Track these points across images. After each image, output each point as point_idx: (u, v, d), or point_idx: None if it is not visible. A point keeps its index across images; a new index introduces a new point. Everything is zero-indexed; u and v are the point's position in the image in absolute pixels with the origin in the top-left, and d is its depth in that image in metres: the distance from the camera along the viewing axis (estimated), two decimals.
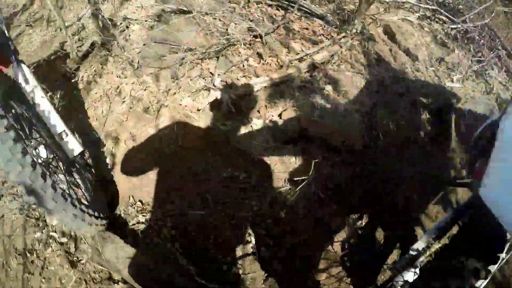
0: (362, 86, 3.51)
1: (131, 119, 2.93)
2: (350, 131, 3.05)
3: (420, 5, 5.04)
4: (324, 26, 3.86)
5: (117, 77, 3.15)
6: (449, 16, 4.96)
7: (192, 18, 3.18)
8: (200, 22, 3.20)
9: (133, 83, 3.03)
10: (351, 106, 3.26)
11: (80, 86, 3.34)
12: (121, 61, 3.18)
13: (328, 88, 3.25)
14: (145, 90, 2.98)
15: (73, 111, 3.21)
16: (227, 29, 3.22)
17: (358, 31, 3.82)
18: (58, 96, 3.35)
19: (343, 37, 3.70)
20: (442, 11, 4.95)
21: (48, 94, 3.29)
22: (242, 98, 2.85)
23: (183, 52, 2.96)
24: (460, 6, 5.38)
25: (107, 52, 3.27)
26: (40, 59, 3.95)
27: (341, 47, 3.59)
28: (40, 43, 4.10)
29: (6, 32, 2.18)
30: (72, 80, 3.36)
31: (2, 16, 2.17)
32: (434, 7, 4.95)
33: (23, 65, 2.15)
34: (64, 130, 2.20)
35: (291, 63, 3.23)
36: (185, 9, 3.26)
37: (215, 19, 3.28)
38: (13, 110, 1.99)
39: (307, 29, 3.77)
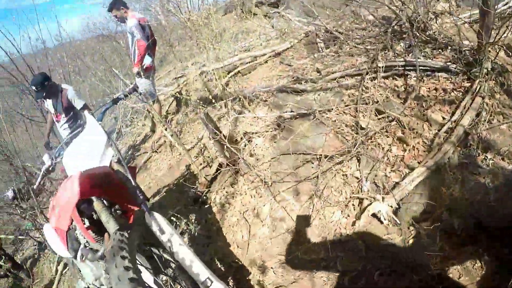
0: None
1: (276, 242, 2.66)
2: None
3: None
4: (450, 78, 3.28)
5: (252, 197, 3.00)
6: None
7: (315, 119, 2.94)
8: (325, 121, 2.95)
9: (270, 203, 2.83)
10: None
11: (214, 209, 3.27)
12: (252, 179, 3.06)
13: (490, 155, 2.61)
14: (285, 208, 2.73)
15: (211, 238, 3.12)
16: (357, 122, 2.90)
17: (489, 69, 3.14)
18: (193, 221, 3.33)
19: (479, 82, 3.06)
20: None
21: (183, 222, 3.30)
22: (401, 200, 2.39)
23: (318, 161, 2.69)
24: None
25: (236, 171, 3.19)
26: (170, 183, 4.14)
27: (483, 98, 2.95)
28: (167, 167, 4.35)
29: (132, 180, 2.21)
30: (205, 205, 3.31)
31: (127, 168, 2.21)
32: None
33: (156, 214, 2.09)
34: (208, 277, 2.00)
35: (440, 139, 2.71)
36: (305, 111, 3.07)
37: (340, 113, 3.01)
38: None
39: (436, 89, 3.24)
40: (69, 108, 3.85)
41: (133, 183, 2.27)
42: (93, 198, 2.08)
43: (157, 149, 4.65)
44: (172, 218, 3.25)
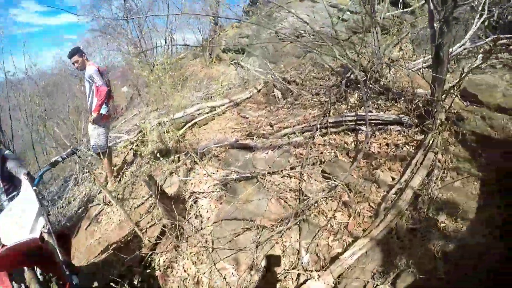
0: (477, 192, 2.60)
1: None
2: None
3: (480, 42, 4.04)
4: (403, 131, 3.19)
5: (193, 263, 2.89)
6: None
7: (259, 183, 2.92)
8: (269, 186, 2.93)
9: (210, 270, 2.73)
10: (480, 230, 2.33)
11: (157, 273, 3.12)
12: (195, 243, 2.96)
13: (441, 218, 2.45)
14: (224, 278, 2.63)
15: None
16: (300, 188, 2.88)
17: (443, 120, 3.03)
18: (137, 285, 3.17)
19: (432, 135, 2.93)
20: (501, 36, 3.98)
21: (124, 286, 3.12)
22: (340, 275, 2.30)
23: (257, 229, 2.63)
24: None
25: (180, 234, 3.09)
26: (118, 240, 3.97)
27: (435, 153, 2.82)
28: (117, 222, 4.18)
29: (60, 254, 2.21)
30: (149, 268, 3.17)
31: (55, 240, 2.25)
32: (493, 36, 3.97)
33: None
34: None
35: (387, 203, 2.61)
36: (248, 175, 3.04)
37: (284, 176, 3.00)
38: None
39: (387, 145, 3.16)
40: (9, 175, 3.55)
41: (60, 257, 2.23)
42: (25, 268, 2.14)
43: (109, 202, 4.48)
44: (112, 283, 3.07)
